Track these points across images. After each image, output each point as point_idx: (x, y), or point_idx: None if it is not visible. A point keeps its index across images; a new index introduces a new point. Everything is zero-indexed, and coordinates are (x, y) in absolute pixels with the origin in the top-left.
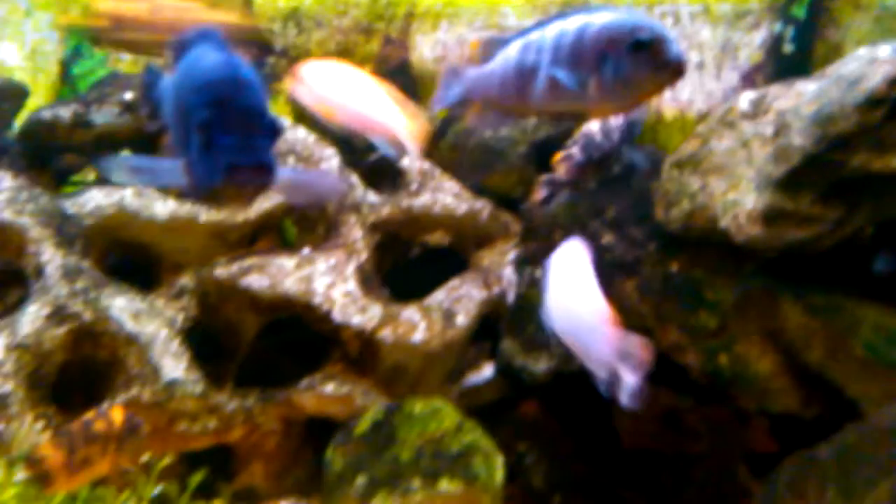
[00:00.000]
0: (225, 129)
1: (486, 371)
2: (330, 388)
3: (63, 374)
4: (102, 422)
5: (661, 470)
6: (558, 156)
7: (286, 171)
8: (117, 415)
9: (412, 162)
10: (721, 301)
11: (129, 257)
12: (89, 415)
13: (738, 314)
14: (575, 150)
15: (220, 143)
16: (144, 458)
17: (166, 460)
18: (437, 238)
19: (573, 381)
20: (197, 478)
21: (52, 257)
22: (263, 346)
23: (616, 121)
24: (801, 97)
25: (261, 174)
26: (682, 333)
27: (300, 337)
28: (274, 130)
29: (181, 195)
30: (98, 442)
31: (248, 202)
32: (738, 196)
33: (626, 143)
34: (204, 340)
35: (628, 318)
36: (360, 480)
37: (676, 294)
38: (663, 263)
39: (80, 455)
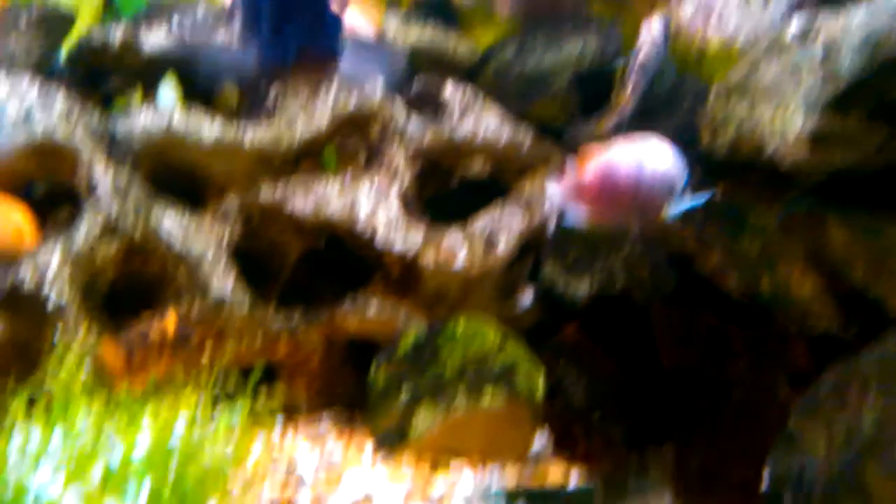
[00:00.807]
0: (296, 16)
1: (526, 297)
2: (372, 309)
3: (114, 290)
4: (157, 328)
5: (701, 388)
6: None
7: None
8: (170, 323)
9: (454, 91)
10: (764, 226)
11: (177, 179)
12: (144, 321)
13: (782, 238)
14: (635, 78)
15: (292, 28)
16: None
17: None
18: (478, 168)
19: (614, 303)
20: (255, 377)
21: (102, 176)
22: (306, 269)
23: (656, 30)
24: (850, 22)
25: (328, 57)
26: (724, 258)
27: (342, 261)
28: (338, 21)
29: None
30: (153, 347)
31: (316, 83)
32: (785, 120)
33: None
34: (248, 263)
35: (670, 242)
36: (404, 395)
37: (719, 219)
38: (707, 189)
39: (137, 359)
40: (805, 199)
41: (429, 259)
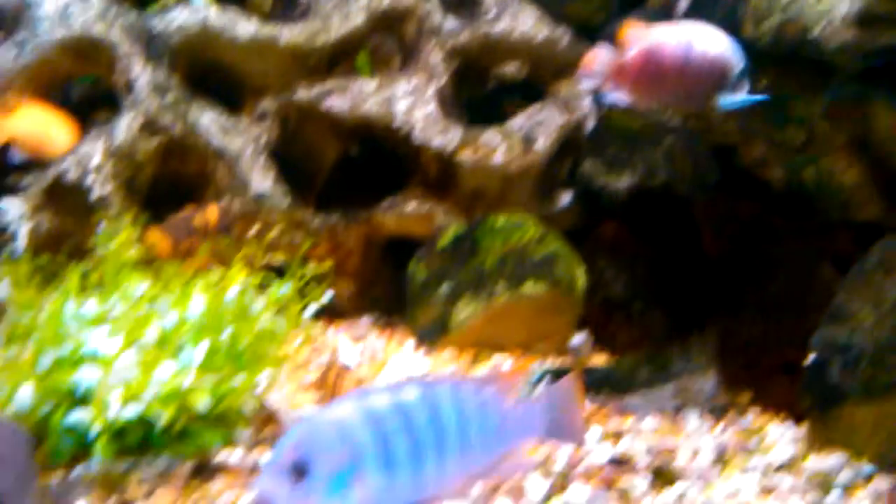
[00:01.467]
0: None
1: (565, 197)
2: (411, 207)
3: (154, 188)
4: (201, 217)
5: (744, 275)
6: None
7: None
8: (212, 213)
9: None
10: (808, 115)
11: (213, 79)
12: (188, 210)
13: (825, 126)
14: None
15: None
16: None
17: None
18: (515, 68)
19: (655, 197)
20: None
21: (141, 72)
22: (344, 170)
23: None
24: None
25: None
26: (767, 148)
27: (380, 162)
28: None
29: None
30: (198, 235)
31: None
32: (831, 4)
33: None
34: (286, 164)
35: (713, 134)
36: (444, 289)
37: (763, 109)
38: (750, 80)
39: (184, 245)
40: (849, 85)
41: (466, 157)
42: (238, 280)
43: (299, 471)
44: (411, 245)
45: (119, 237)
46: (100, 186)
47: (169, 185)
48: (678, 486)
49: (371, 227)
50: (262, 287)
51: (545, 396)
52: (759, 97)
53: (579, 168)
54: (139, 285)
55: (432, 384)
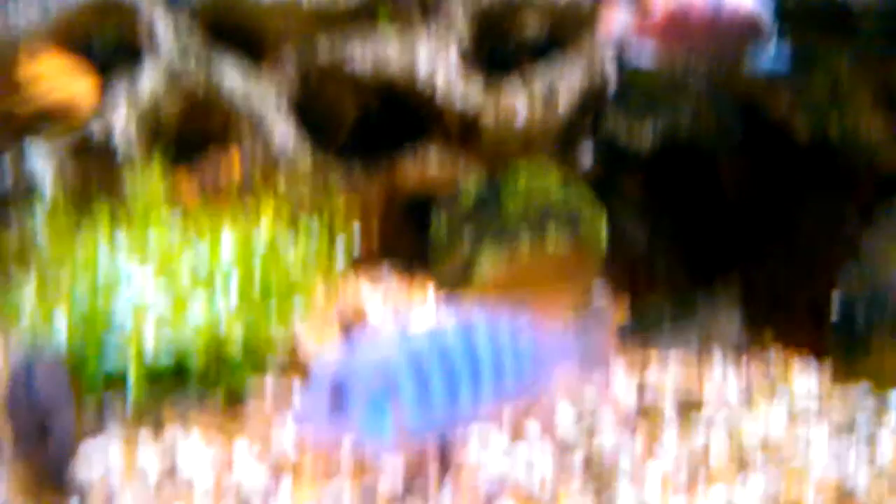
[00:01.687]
0: None
1: (587, 155)
2: (432, 163)
3: (178, 142)
4: (226, 163)
5: (769, 227)
6: None
7: None
8: (235, 159)
9: None
10: (834, 69)
11: (235, 36)
12: (213, 156)
13: (851, 80)
14: None
15: None
16: None
17: None
18: (538, 24)
19: (679, 151)
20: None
21: (163, 30)
22: (365, 127)
23: None
24: None
25: None
26: (792, 102)
27: (401, 119)
28: None
29: None
30: (225, 185)
31: None
32: None
33: None
34: (307, 121)
35: (737, 88)
36: (466, 241)
37: (789, 64)
38: (778, 35)
39: (211, 191)
40: (875, 40)
41: (489, 115)
42: (267, 220)
43: (337, 396)
44: (432, 201)
45: (147, 181)
46: (124, 139)
47: (192, 139)
48: (705, 414)
49: (392, 183)
50: (290, 230)
51: (576, 326)
52: (785, 52)
53: (602, 124)
54: (171, 223)
55: (468, 314)
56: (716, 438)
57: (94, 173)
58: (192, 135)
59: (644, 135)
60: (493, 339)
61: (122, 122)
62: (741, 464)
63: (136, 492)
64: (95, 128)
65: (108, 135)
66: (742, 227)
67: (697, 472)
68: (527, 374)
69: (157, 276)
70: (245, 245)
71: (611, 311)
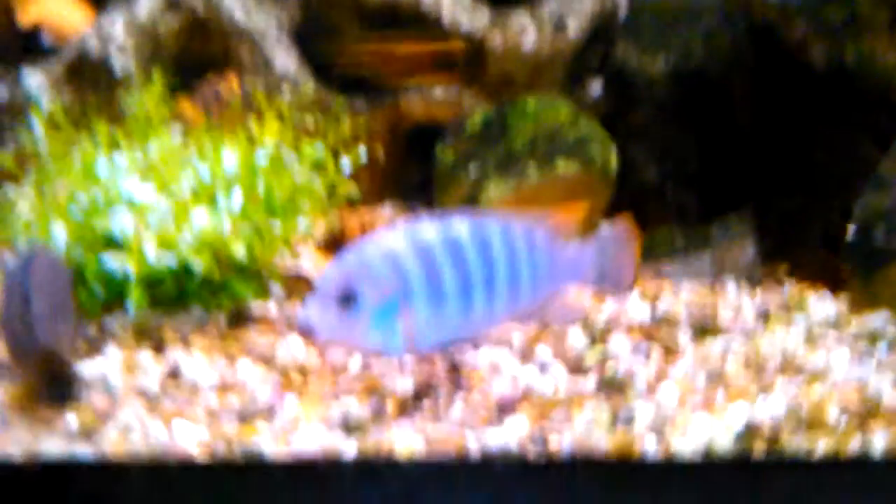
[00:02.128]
0: None
1: (596, 86)
2: (437, 92)
3: (177, 66)
4: (225, 85)
5: (782, 155)
6: None
7: None
8: (234, 81)
9: None
10: None
11: None
12: (213, 79)
13: (868, 6)
14: None
15: None
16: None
17: None
18: None
19: (692, 79)
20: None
21: None
22: (368, 55)
23: None
24: None
25: None
26: (808, 28)
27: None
28: None
29: None
30: (226, 105)
31: None
32: None
33: None
34: (309, 47)
35: (751, 12)
36: (472, 169)
37: None
38: None
39: (212, 112)
40: None
41: (495, 41)
42: (272, 136)
43: (347, 298)
44: (437, 133)
45: (147, 97)
46: (121, 61)
47: (191, 63)
48: (722, 339)
49: (396, 113)
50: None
51: (597, 240)
52: None
53: (613, 51)
54: (171, 137)
55: (483, 220)
56: (733, 359)
57: (92, 91)
58: (192, 59)
59: (656, 62)
60: (509, 245)
61: (119, 38)
62: (761, 382)
63: (136, 404)
64: (92, 44)
65: (106, 52)
66: (756, 156)
67: (716, 391)
68: (542, 285)
69: (157, 190)
70: (247, 162)
71: (634, 230)
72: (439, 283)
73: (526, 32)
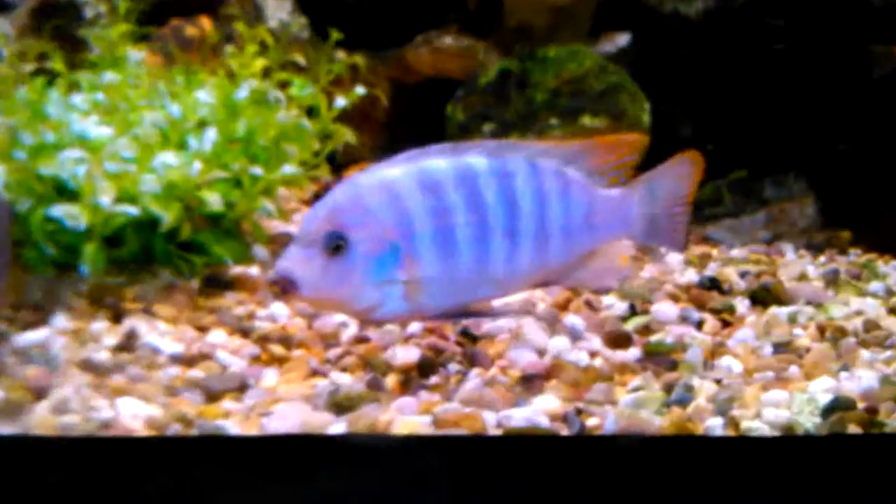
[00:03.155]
0: None
1: (622, 38)
2: (448, 42)
3: (159, 13)
4: (193, 28)
5: (838, 108)
6: None
7: None
8: (206, 22)
9: None
10: None
11: None
12: (177, 21)
13: None
14: None
15: None
16: None
17: None
18: None
19: (734, 20)
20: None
21: None
22: (372, 4)
23: None
24: None
25: None
26: None
27: None
28: None
29: None
30: (193, 48)
31: None
32: None
33: None
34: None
35: None
36: (487, 128)
37: None
38: None
39: (179, 61)
40: None
41: None
42: (255, 72)
43: (335, 245)
44: (448, 87)
45: (111, 32)
46: (92, 5)
47: (175, 9)
48: (787, 309)
49: (402, 67)
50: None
51: (645, 184)
52: None
53: None
54: (135, 69)
55: (505, 154)
56: (802, 333)
57: (59, 35)
58: (175, 4)
59: (693, 5)
60: (537, 186)
61: None
62: (842, 353)
63: (79, 379)
64: None
65: None
66: (813, 106)
67: (788, 364)
68: (578, 238)
69: (117, 130)
70: (224, 101)
71: (698, 169)
72: (450, 227)
73: None
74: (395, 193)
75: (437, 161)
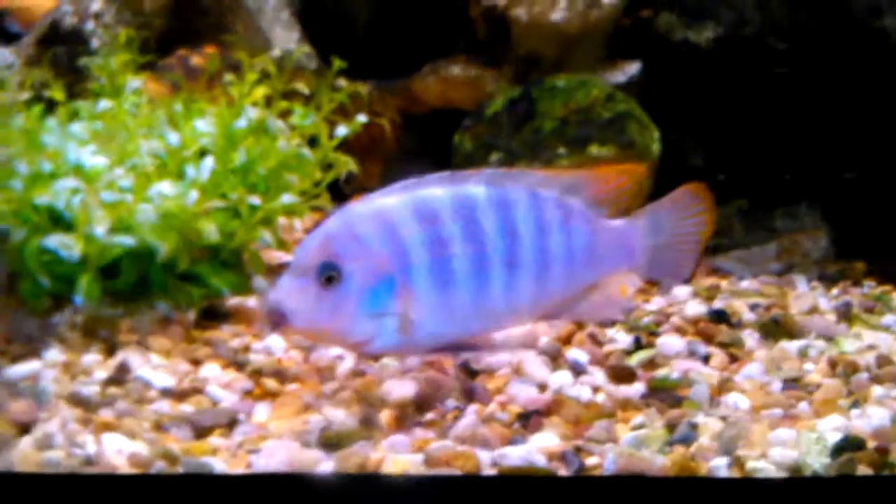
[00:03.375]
0: None
1: (632, 67)
2: (456, 71)
3: (168, 41)
4: (199, 57)
5: (852, 137)
6: None
7: None
8: (212, 51)
9: None
10: None
11: None
12: (183, 50)
13: None
14: None
15: None
16: None
17: None
18: None
19: (745, 49)
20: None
21: None
22: (380, 34)
23: None
24: None
25: None
26: None
27: (421, 22)
28: None
29: None
30: (199, 78)
31: None
32: None
33: None
34: (313, 25)
35: None
36: (495, 157)
37: None
38: None
39: (184, 90)
40: None
41: (521, 13)
42: (256, 101)
43: (328, 275)
44: (457, 117)
45: (113, 61)
46: (99, 34)
47: (182, 39)
48: (797, 343)
49: (409, 97)
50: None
51: (651, 215)
52: None
53: (654, 23)
54: (133, 98)
55: (504, 183)
56: (812, 368)
57: (64, 62)
58: (184, 33)
59: (703, 32)
60: (537, 216)
61: (96, 15)
62: (854, 389)
63: (67, 413)
64: (66, 15)
65: (82, 22)
66: (824, 137)
67: (798, 400)
68: (579, 270)
69: (114, 160)
70: (224, 130)
71: (706, 201)
72: (447, 258)
73: (556, 3)
74: (390, 223)
75: (435, 190)
